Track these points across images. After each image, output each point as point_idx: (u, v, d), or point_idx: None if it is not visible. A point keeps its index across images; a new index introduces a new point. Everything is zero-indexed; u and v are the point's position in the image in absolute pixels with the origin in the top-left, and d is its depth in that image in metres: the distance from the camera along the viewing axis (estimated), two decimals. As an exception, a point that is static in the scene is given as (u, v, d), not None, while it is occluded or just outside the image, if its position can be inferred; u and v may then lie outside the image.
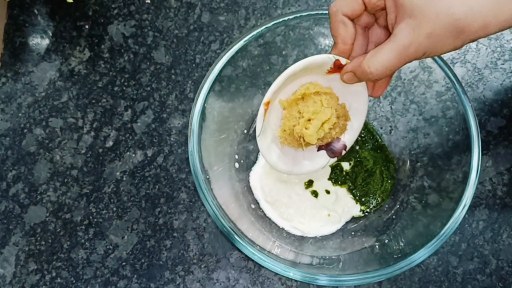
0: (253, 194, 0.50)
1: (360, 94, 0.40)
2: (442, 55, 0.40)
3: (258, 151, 0.51)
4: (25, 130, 0.53)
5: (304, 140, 0.40)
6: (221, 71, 0.43)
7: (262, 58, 0.48)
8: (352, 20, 0.35)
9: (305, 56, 0.49)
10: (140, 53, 0.55)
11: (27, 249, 0.50)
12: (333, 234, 0.48)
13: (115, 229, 0.50)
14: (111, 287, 0.49)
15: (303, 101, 0.40)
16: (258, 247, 0.40)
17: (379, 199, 0.49)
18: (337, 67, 0.37)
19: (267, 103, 0.39)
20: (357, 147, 0.50)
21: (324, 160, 0.44)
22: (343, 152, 0.43)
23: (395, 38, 0.32)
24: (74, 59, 0.55)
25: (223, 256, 0.49)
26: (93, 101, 0.54)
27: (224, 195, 0.44)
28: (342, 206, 0.49)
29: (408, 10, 0.30)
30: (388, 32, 0.35)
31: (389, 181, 0.49)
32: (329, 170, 0.50)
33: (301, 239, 0.48)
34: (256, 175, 0.50)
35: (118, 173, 0.52)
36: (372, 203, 0.49)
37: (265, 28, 0.44)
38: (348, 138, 0.43)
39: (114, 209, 0.51)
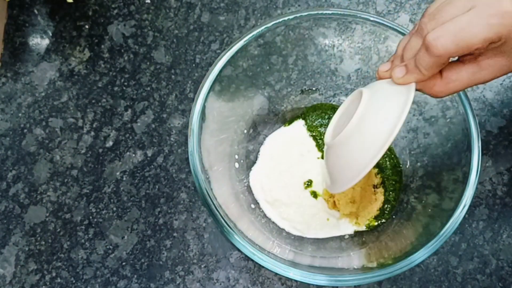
0: (253, 194, 0.50)
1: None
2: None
3: (258, 151, 0.51)
4: (25, 130, 0.53)
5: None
6: (221, 71, 0.43)
7: (262, 58, 0.48)
8: None
9: (305, 56, 0.50)
10: (140, 53, 0.55)
11: (27, 249, 0.50)
12: (333, 234, 0.48)
13: (115, 229, 0.50)
14: (111, 287, 0.49)
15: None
16: (258, 247, 0.40)
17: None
18: None
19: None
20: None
21: None
22: None
23: (480, 71, 0.31)
24: (74, 59, 0.55)
25: (223, 256, 0.49)
26: (93, 101, 0.54)
27: (224, 195, 0.44)
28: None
29: (503, 51, 0.30)
30: None
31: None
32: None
33: (301, 239, 0.48)
34: (256, 175, 0.50)
35: (118, 173, 0.52)
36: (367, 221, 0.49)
37: (265, 28, 0.44)
38: None
39: (114, 209, 0.51)
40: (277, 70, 0.50)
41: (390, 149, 0.50)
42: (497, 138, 0.52)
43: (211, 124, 0.45)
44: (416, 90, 0.33)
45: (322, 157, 0.50)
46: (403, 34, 0.44)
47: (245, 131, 0.51)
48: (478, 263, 0.48)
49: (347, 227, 0.48)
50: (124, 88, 0.54)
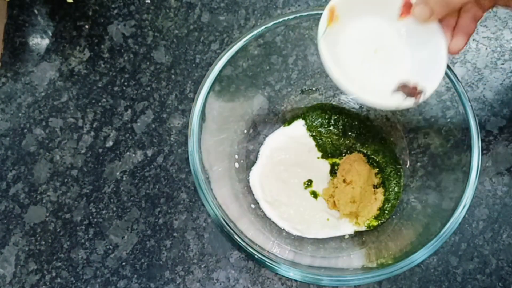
0: (253, 194, 0.50)
1: (437, 39, 0.38)
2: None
3: (258, 151, 0.51)
4: (25, 130, 0.53)
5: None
6: (221, 71, 0.43)
7: (262, 58, 0.48)
8: None
9: (305, 56, 0.50)
10: (140, 53, 0.55)
11: (27, 249, 0.50)
12: (333, 234, 0.48)
13: (115, 229, 0.50)
14: (111, 287, 0.49)
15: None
16: (258, 247, 0.40)
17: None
18: (407, 7, 0.37)
19: (332, 11, 0.38)
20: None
21: (397, 101, 0.41)
22: (419, 98, 0.40)
23: None
24: (74, 59, 0.55)
25: (223, 256, 0.49)
26: (93, 101, 0.54)
27: (224, 195, 0.44)
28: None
29: None
30: None
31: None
32: (328, 176, 0.50)
33: (301, 239, 0.48)
34: (256, 175, 0.50)
35: (118, 173, 0.52)
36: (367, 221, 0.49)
37: (265, 28, 0.44)
38: (428, 85, 0.40)
39: (114, 209, 0.51)
40: (277, 70, 0.50)
41: (390, 149, 0.50)
42: (497, 138, 0.52)
43: (211, 124, 0.45)
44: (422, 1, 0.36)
45: (322, 157, 0.50)
46: (403, 34, 0.44)
47: (245, 131, 0.51)
48: (478, 263, 0.49)
49: (347, 227, 0.48)
50: (124, 88, 0.54)
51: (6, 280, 0.49)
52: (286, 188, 0.49)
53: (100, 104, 0.54)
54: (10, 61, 0.55)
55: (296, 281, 0.48)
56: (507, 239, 0.49)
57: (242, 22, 0.56)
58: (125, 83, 0.54)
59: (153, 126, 0.53)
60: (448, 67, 0.43)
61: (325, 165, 0.50)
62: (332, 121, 0.51)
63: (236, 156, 0.50)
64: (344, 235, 0.48)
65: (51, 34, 0.56)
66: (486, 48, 0.54)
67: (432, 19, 0.36)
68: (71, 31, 0.56)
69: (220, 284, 0.49)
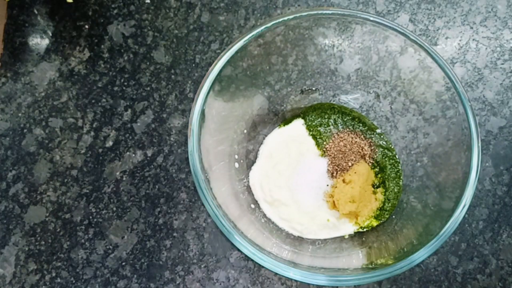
0: (252, 194, 0.50)
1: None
2: (441, 55, 0.40)
3: (258, 151, 0.51)
4: (25, 130, 0.53)
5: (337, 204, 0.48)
6: (221, 71, 0.43)
7: (262, 58, 0.48)
8: None
9: (305, 56, 0.50)
10: (140, 53, 0.55)
11: (27, 249, 0.50)
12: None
13: (115, 229, 0.50)
14: (111, 287, 0.49)
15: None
16: (258, 247, 0.40)
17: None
18: None
19: None
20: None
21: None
22: None
23: None
24: (74, 59, 0.55)
25: (223, 256, 0.49)
26: (93, 101, 0.54)
27: (224, 195, 0.44)
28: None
29: None
30: None
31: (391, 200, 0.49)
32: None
33: (301, 239, 0.48)
34: (256, 175, 0.50)
35: (118, 173, 0.52)
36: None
37: (265, 28, 0.44)
38: None
39: (114, 209, 0.51)
40: (277, 70, 0.50)
41: (390, 149, 0.50)
42: (497, 138, 0.52)
43: (211, 124, 0.45)
44: None
45: (322, 156, 0.50)
46: (403, 34, 0.44)
47: (245, 131, 0.51)
48: (478, 263, 0.48)
49: (347, 227, 0.48)
50: (124, 88, 0.54)
51: (6, 280, 0.49)
52: (285, 188, 0.49)
53: (100, 104, 0.54)
54: (10, 61, 0.55)
55: (296, 281, 0.48)
56: (507, 239, 0.49)
57: (242, 22, 0.56)
58: (125, 83, 0.54)
59: (153, 126, 0.53)
60: (448, 67, 0.43)
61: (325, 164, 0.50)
62: (331, 120, 0.51)
63: (236, 156, 0.50)
64: (344, 235, 0.48)
65: (51, 34, 0.56)
66: (486, 48, 0.54)
67: None
68: (71, 31, 0.56)
69: (220, 284, 0.49)
